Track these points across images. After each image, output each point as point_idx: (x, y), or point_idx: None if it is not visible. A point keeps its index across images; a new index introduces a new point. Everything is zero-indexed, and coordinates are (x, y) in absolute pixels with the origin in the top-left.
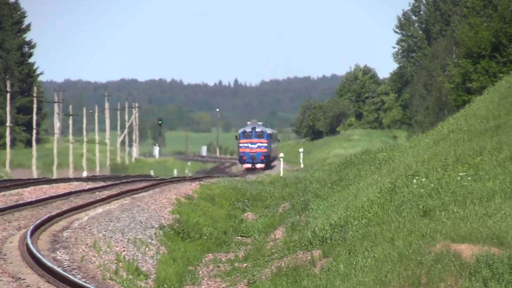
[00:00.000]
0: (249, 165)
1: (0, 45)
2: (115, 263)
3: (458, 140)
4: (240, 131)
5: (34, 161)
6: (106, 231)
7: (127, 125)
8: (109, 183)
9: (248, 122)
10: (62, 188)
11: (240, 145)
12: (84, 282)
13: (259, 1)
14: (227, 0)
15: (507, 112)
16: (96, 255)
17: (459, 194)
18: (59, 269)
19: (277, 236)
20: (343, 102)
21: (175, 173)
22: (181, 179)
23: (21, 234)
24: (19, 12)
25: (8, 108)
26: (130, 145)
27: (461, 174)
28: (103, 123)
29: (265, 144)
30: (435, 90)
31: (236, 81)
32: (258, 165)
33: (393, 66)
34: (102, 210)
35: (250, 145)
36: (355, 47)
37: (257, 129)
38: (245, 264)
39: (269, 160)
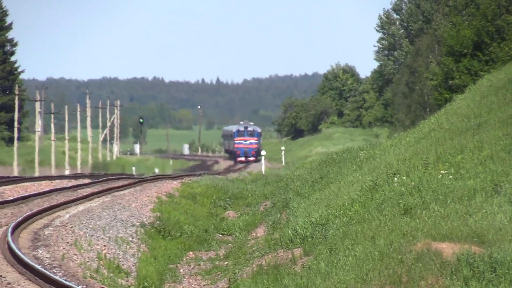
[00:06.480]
0: (242, 158)
1: None
2: (96, 261)
3: (439, 139)
4: (234, 130)
5: (16, 158)
6: (87, 229)
7: (108, 123)
8: (90, 180)
9: (241, 122)
10: (44, 185)
11: (235, 142)
12: (65, 280)
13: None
14: None
15: (488, 110)
16: (77, 253)
17: (440, 193)
18: (39, 267)
19: (258, 234)
20: (325, 100)
21: (157, 171)
22: (162, 177)
23: (2, 232)
24: (1, 11)
25: None
26: (112, 143)
27: (442, 172)
28: (85, 121)
29: (256, 141)
30: (417, 88)
31: (218, 79)
32: (250, 158)
33: (375, 64)
34: (83, 208)
35: (243, 142)
36: (337, 45)
37: (249, 129)
38: (226, 262)
39: (258, 155)
